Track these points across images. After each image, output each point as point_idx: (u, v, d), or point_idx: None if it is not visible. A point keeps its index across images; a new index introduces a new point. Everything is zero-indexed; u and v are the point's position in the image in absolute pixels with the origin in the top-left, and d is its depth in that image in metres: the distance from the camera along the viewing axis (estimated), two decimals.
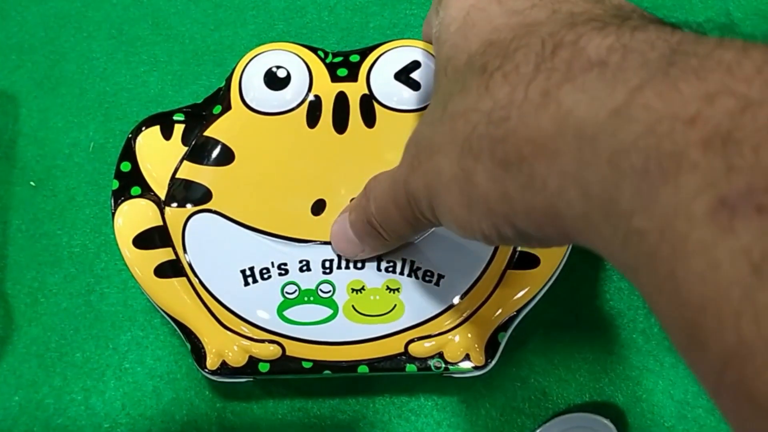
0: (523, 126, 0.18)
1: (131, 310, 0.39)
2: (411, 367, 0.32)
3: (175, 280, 0.32)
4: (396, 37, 0.38)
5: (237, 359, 0.32)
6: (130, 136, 0.34)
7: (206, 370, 0.32)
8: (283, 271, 0.32)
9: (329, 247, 0.32)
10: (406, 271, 0.32)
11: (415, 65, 0.33)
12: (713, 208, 0.13)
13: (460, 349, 0.32)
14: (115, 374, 0.38)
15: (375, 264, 0.32)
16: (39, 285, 0.39)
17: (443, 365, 0.32)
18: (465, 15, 0.22)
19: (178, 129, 0.34)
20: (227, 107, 0.34)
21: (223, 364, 0.32)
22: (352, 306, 0.32)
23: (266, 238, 0.32)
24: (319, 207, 0.33)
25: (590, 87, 0.16)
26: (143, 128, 0.34)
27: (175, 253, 0.33)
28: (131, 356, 0.38)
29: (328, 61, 0.34)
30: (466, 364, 0.32)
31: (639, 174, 0.14)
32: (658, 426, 0.37)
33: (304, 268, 0.32)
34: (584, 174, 0.16)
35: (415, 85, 0.33)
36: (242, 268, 0.32)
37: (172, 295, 0.32)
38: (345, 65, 0.34)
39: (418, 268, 0.32)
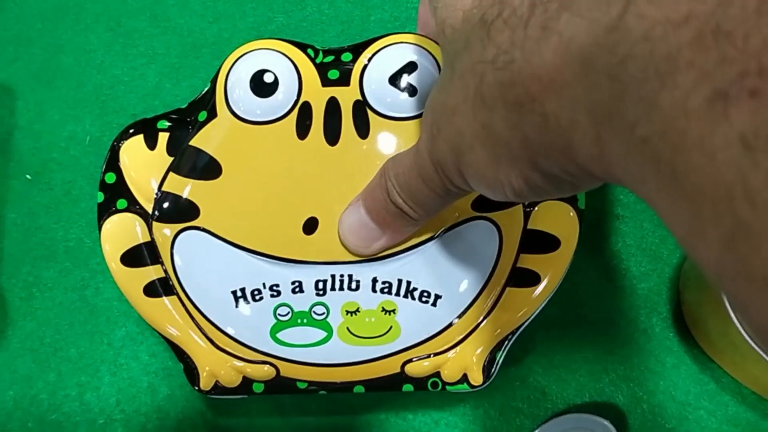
0: (527, 65, 0.18)
1: (126, 305, 0.38)
2: (407, 387, 0.32)
3: (165, 299, 0.32)
4: (398, 30, 0.38)
5: (230, 380, 0.31)
6: (115, 144, 0.32)
7: (199, 390, 0.31)
8: (275, 293, 0.31)
9: (322, 267, 0.31)
10: (402, 292, 0.31)
11: (410, 67, 0.31)
12: (709, 100, 0.13)
13: (457, 369, 0.31)
14: (110, 370, 0.38)
15: (370, 285, 0.31)
16: (34, 279, 0.39)
17: (440, 385, 0.31)
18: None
19: (163, 138, 0.32)
20: (213, 114, 0.31)
21: (217, 383, 0.31)
22: (347, 328, 0.31)
23: (257, 258, 0.31)
24: (311, 226, 0.31)
25: (587, 10, 0.16)
26: (127, 136, 0.32)
27: (165, 271, 0.32)
28: (126, 352, 0.38)
29: (318, 61, 0.31)
30: (464, 384, 0.31)
31: (639, 82, 0.15)
32: (659, 427, 0.36)
33: (297, 289, 0.31)
34: (591, 97, 0.16)
35: (411, 90, 0.31)
36: (233, 289, 0.31)
37: (163, 315, 0.32)
38: (336, 66, 0.31)
39: (415, 289, 0.31)
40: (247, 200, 0.31)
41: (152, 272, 0.32)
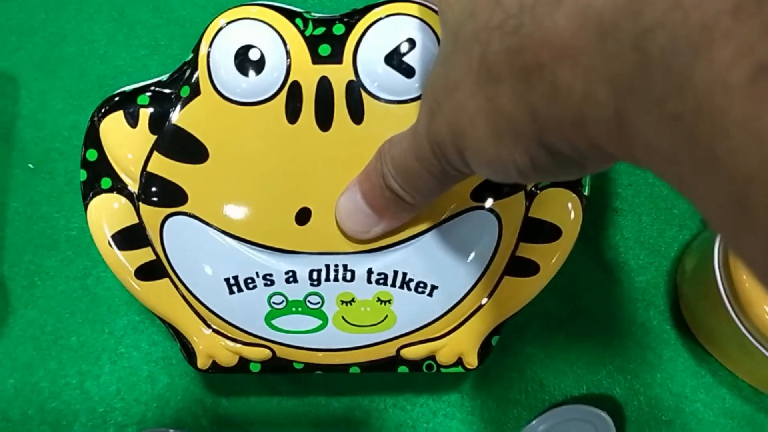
0: (538, 29, 0.17)
1: (127, 294, 0.38)
2: (402, 368, 0.32)
3: (158, 282, 0.31)
4: None
5: (227, 360, 0.32)
6: (94, 118, 0.30)
7: (196, 368, 0.32)
8: (268, 282, 0.30)
9: (316, 257, 0.30)
10: (397, 283, 0.30)
11: (409, 44, 0.28)
12: (752, 75, 0.12)
13: (452, 353, 0.32)
14: (110, 358, 0.38)
15: (365, 276, 0.30)
16: (36, 268, 0.39)
17: (435, 368, 0.32)
18: None
19: (144, 115, 0.30)
20: (196, 91, 0.29)
21: (214, 363, 0.32)
22: (342, 317, 0.31)
23: (249, 247, 0.30)
24: (303, 216, 0.29)
25: None
26: (107, 111, 0.30)
27: (155, 253, 0.31)
28: (127, 341, 0.38)
29: (308, 33, 0.28)
30: (458, 367, 0.32)
31: (668, 54, 0.13)
32: (656, 420, 0.36)
33: (291, 279, 0.30)
34: (611, 67, 0.15)
35: (408, 71, 0.28)
36: (226, 277, 0.30)
37: (157, 297, 0.31)
38: (327, 40, 0.28)
39: (411, 280, 0.30)
40: (237, 188, 0.30)
41: (143, 255, 0.31)
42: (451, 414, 0.37)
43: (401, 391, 0.37)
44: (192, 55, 0.29)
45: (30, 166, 0.41)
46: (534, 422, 0.35)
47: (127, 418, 0.37)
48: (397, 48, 0.28)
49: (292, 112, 0.29)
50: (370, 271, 0.30)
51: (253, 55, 0.28)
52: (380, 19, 0.28)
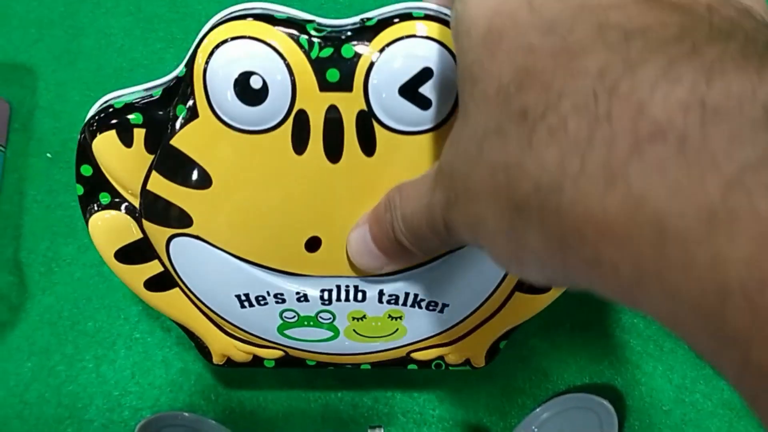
0: (582, 205, 0.14)
1: None
2: (412, 366, 0.33)
3: (168, 293, 0.31)
4: None
5: (241, 358, 0.33)
6: (81, 137, 0.28)
7: (212, 363, 0.33)
8: (280, 300, 0.30)
9: (327, 279, 0.29)
10: (408, 303, 0.30)
11: (426, 75, 0.24)
12: None
13: (461, 356, 0.33)
14: (125, 344, 0.39)
15: (376, 297, 0.29)
16: (53, 255, 0.40)
17: (444, 366, 0.33)
18: (488, 22, 0.17)
19: (139, 134, 0.27)
20: (194, 113, 0.25)
21: (228, 359, 0.33)
22: (354, 330, 0.31)
23: (259, 269, 0.29)
24: (313, 244, 0.28)
25: (667, 167, 0.13)
26: (95, 128, 0.27)
27: (163, 265, 0.30)
28: (142, 326, 0.39)
29: (314, 55, 0.24)
30: (466, 366, 0.33)
31: (753, 299, 0.12)
32: (656, 409, 0.37)
33: (302, 299, 0.30)
34: (672, 276, 0.13)
35: (425, 103, 0.25)
36: (236, 293, 0.30)
37: (168, 305, 0.31)
38: (336, 64, 0.24)
39: (422, 300, 0.30)
40: (244, 216, 0.28)
41: (151, 268, 0.30)
42: (457, 401, 0.38)
43: (409, 379, 0.38)
44: (185, 69, 0.26)
45: (48, 155, 0.42)
46: (537, 410, 0.36)
47: (141, 401, 0.38)
48: (413, 78, 0.24)
49: (299, 143, 0.26)
50: (381, 293, 0.29)
51: (255, 83, 0.24)
52: (394, 41, 0.24)
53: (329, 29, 0.24)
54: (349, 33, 0.24)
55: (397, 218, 0.24)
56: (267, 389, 0.38)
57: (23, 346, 0.39)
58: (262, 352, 0.33)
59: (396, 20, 0.24)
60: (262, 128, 0.25)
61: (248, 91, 0.24)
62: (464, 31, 0.18)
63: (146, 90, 0.27)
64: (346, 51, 0.24)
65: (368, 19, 0.24)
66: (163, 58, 0.43)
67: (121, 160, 0.27)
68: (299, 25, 0.24)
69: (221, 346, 0.32)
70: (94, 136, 0.27)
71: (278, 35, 0.24)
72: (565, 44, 0.15)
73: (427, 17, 0.24)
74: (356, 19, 0.25)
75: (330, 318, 0.30)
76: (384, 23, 0.24)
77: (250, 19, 0.24)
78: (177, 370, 0.38)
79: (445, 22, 0.24)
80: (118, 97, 0.27)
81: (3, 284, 0.40)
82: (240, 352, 0.32)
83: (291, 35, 0.24)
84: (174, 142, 0.26)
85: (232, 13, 0.24)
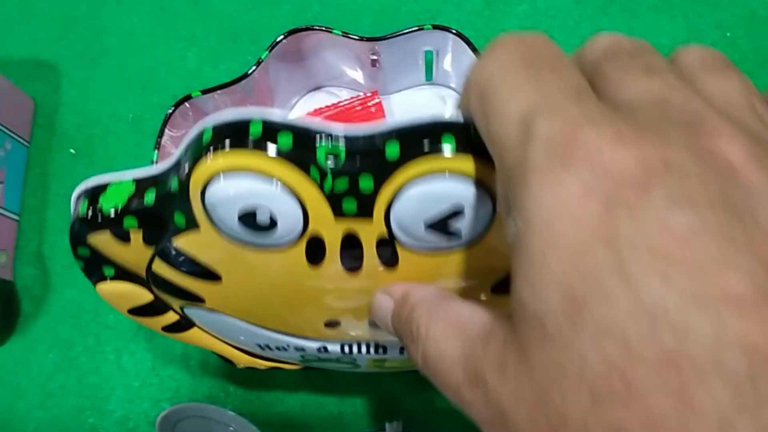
0: None
1: None
2: None
3: (188, 333, 0.30)
4: (428, 21, 0.39)
5: (264, 365, 0.34)
6: (74, 227, 0.24)
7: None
8: (301, 349, 0.29)
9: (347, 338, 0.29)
10: None
11: (456, 212, 0.20)
12: None
13: None
14: (146, 336, 0.39)
15: (397, 349, 0.29)
16: None
17: None
18: (569, 292, 0.13)
19: (136, 234, 0.23)
20: (193, 224, 0.22)
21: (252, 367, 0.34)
22: (375, 364, 0.32)
23: (278, 333, 0.28)
24: (332, 324, 0.27)
25: None
26: (90, 230, 0.23)
27: (179, 314, 0.28)
28: None
29: (327, 190, 0.20)
30: None
31: None
32: None
33: (322, 350, 0.29)
34: None
35: (455, 234, 0.21)
36: (258, 343, 0.29)
37: (189, 340, 0.31)
38: (353, 195, 0.20)
39: None
40: (258, 308, 0.26)
41: (167, 318, 0.29)
42: None
43: (414, 374, 0.38)
44: (177, 184, 0.21)
45: (71, 151, 0.42)
46: None
47: (161, 392, 0.38)
48: (441, 215, 0.21)
49: (314, 259, 0.23)
50: (402, 349, 0.29)
51: (262, 216, 0.21)
52: (418, 177, 0.19)
53: (343, 150, 0.19)
54: (367, 160, 0.20)
55: (418, 342, 0.20)
56: (284, 382, 0.39)
57: (46, 337, 0.39)
58: (283, 365, 0.34)
59: (422, 151, 0.19)
60: (272, 248, 0.22)
61: (253, 223, 0.21)
62: (531, 283, 0.14)
63: (134, 181, 0.23)
64: (365, 184, 0.20)
65: (389, 138, 0.19)
66: (184, 56, 0.44)
67: (120, 252, 0.25)
68: (308, 150, 0.19)
69: (245, 361, 0.33)
70: (87, 232, 0.24)
71: (283, 169, 0.19)
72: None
73: (458, 146, 0.19)
74: (374, 130, 0.20)
75: (351, 362, 0.31)
76: (408, 154, 0.19)
77: (250, 147, 0.19)
78: (196, 362, 0.39)
79: (477, 149, 0.19)
80: (103, 187, 0.23)
81: (27, 277, 0.40)
82: (264, 362, 0.33)
83: (299, 165, 0.19)
84: (176, 243, 0.23)
85: (225, 123, 0.19)
